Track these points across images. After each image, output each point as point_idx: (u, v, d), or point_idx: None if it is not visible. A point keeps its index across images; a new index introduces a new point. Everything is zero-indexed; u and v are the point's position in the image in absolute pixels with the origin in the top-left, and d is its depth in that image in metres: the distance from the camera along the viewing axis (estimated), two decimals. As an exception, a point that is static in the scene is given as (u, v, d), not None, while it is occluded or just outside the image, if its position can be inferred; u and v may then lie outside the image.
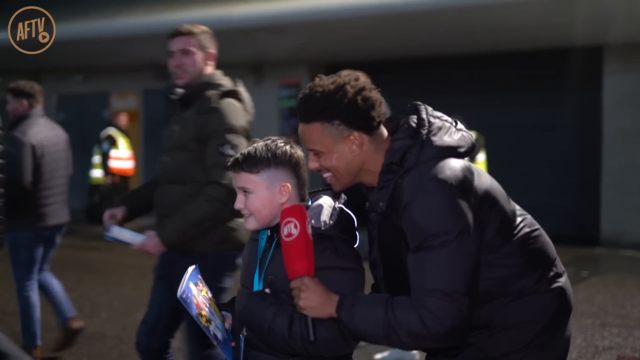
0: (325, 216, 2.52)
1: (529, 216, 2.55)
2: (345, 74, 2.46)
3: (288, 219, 2.36)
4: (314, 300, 2.32)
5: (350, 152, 2.41)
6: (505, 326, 2.42)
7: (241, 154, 2.54)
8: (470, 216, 2.30)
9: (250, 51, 13.61)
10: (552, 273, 2.49)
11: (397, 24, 10.91)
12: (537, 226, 2.54)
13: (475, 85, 12.81)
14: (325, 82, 2.42)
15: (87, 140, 16.97)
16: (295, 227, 2.34)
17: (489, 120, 12.23)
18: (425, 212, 2.27)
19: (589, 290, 8.18)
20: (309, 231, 2.37)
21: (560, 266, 2.56)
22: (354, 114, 2.38)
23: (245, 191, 2.54)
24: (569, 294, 2.53)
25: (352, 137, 2.40)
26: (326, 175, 2.48)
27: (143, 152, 16.42)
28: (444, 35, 11.42)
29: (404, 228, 2.32)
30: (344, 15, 10.77)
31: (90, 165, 15.52)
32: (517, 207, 2.55)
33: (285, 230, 2.35)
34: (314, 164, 2.48)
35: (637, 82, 11.35)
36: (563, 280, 2.53)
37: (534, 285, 2.44)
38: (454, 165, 2.35)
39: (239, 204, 2.55)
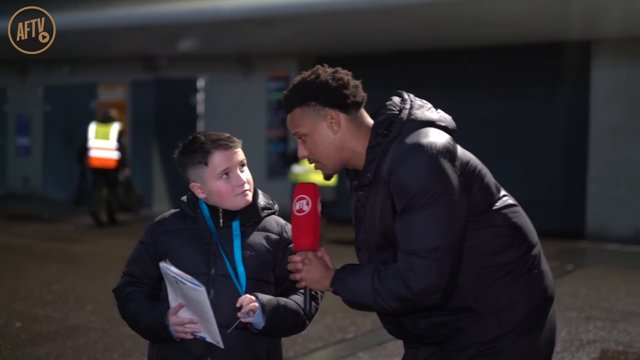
0: None
1: (511, 196, 2.60)
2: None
3: (301, 195, 2.54)
4: (314, 273, 2.49)
5: (331, 130, 2.51)
6: (493, 309, 2.45)
7: None
8: (454, 178, 2.38)
9: (239, 43, 13.57)
10: (535, 252, 2.54)
11: (386, 17, 10.88)
12: (519, 205, 2.59)
13: (463, 78, 12.80)
14: (303, 74, 2.57)
15: (73, 132, 16.90)
16: (308, 204, 2.52)
17: (476, 113, 12.23)
18: (410, 172, 2.35)
19: (574, 284, 8.20)
20: (319, 209, 2.54)
21: (542, 251, 2.60)
22: (325, 92, 2.49)
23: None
24: (551, 279, 2.58)
25: (328, 116, 2.50)
26: (314, 162, 2.58)
27: (130, 144, 16.35)
28: (434, 28, 11.41)
29: (392, 191, 2.39)
30: (334, 7, 10.73)
31: (72, 157, 15.27)
32: (501, 187, 2.61)
33: (297, 206, 2.53)
34: (302, 152, 2.58)
35: (625, 77, 11.36)
36: (545, 265, 2.59)
37: (519, 260, 2.48)
38: (436, 132, 2.46)
39: None
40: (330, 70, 2.54)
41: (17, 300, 7.45)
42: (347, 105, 2.51)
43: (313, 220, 2.51)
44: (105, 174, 12.88)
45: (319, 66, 2.56)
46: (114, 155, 12.79)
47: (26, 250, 10.50)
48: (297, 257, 2.53)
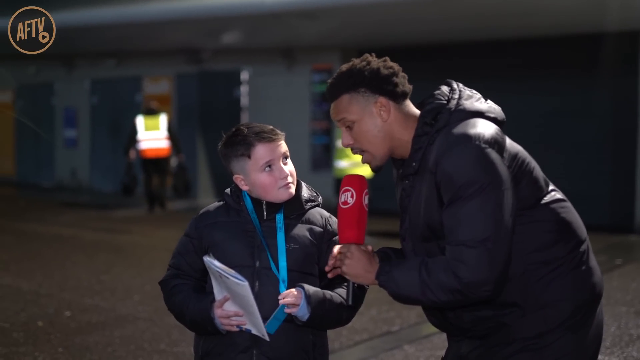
0: None
1: (559, 191, 2.56)
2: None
3: (346, 187, 2.49)
4: (356, 267, 2.43)
5: (380, 117, 2.48)
6: (539, 304, 2.41)
7: None
8: (503, 169, 2.34)
9: (283, 36, 13.60)
10: (583, 248, 2.48)
11: (430, 8, 10.82)
12: (568, 200, 2.54)
13: (510, 70, 12.67)
14: (351, 61, 2.55)
15: (119, 124, 17.10)
16: (352, 196, 2.48)
17: (522, 105, 12.09)
18: (457, 163, 2.31)
19: (624, 278, 8.07)
20: (365, 202, 2.49)
21: (590, 247, 2.55)
22: (377, 79, 2.47)
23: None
24: (599, 276, 2.52)
25: (378, 103, 2.48)
26: (359, 152, 2.55)
27: (175, 136, 16.50)
28: (478, 19, 11.31)
29: (439, 182, 2.36)
30: (377, -1, 10.70)
31: (119, 148, 15.64)
32: (550, 182, 2.56)
33: (342, 198, 2.49)
34: (347, 140, 2.54)
35: (674, 68, 11.16)
36: (594, 261, 2.53)
37: (567, 256, 2.43)
38: (485, 122, 2.42)
39: None
40: (379, 59, 2.53)
41: (67, 289, 7.56)
42: (397, 94, 2.49)
43: (358, 213, 2.47)
44: (156, 163, 13.47)
45: (367, 55, 2.54)
46: (166, 144, 13.46)
47: (74, 241, 10.67)
48: (334, 252, 2.50)
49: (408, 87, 2.52)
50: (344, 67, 2.53)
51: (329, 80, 2.55)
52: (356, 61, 2.52)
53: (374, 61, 2.50)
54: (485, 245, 2.27)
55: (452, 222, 2.32)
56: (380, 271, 2.42)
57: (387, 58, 2.54)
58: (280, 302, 2.56)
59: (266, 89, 15.05)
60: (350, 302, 2.55)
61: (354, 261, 2.44)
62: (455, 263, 2.29)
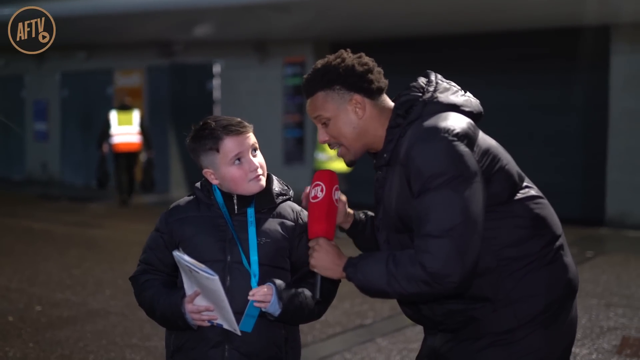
0: None
1: (535, 187, 2.56)
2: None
3: (317, 182, 2.53)
4: (325, 260, 2.45)
5: (355, 115, 2.49)
6: (510, 300, 2.40)
7: None
8: (472, 162, 2.33)
9: (255, 29, 13.55)
10: (558, 244, 2.48)
11: (403, 2, 10.82)
12: (544, 197, 2.54)
13: (482, 64, 12.72)
14: (326, 58, 2.55)
15: (90, 117, 16.95)
16: (322, 190, 2.51)
17: (495, 99, 12.14)
18: (426, 155, 2.31)
19: (594, 271, 8.15)
20: (335, 197, 2.52)
21: (566, 243, 2.55)
22: (352, 76, 2.47)
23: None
24: (574, 272, 2.52)
25: (353, 100, 2.48)
26: (336, 147, 2.56)
27: (147, 129, 16.38)
28: (451, 13, 11.34)
29: (409, 174, 2.36)
30: (350, -8, 10.70)
31: (89, 142, 15.60)
32: (526, 178, 2.56)
33: (312, 192, 2.53)
34: (323, 137, 2.56)
35: (644, 62, 11.26)
36: (569, 257, 2.53)
37: (541, 252, 2.43)
38: (457, 116, 2.41)
39: None
40: (354, 55, 2.52)
41: (37, 284, 7.49)
42: (372, 91, 2.49)
43: (327, 207, 2.49)
44: (128, 157, 13.62)
45: (342, 51, 2.53)
46: (138, 139, 13.65)
47: (45, 235, 10.57)
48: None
49: (384, 82, 2.52)
50: (319, 63, 2.52)
51: (305, 76, 2.55)
52: (331, 58, 2.52)
53: (349, 58, 2.50)
54: (451, 235, 2.25)
55: (420, 214, 2.32)
56: (347, 263, 2.43)
57: (362, 54, 2.54)
58: (250, 298, 2.55)
59: (238, 82, 15.00)
60: (317, 297, 2.53)
61: (322, 254, 2.45)
62: (422, 253, 2.28)
